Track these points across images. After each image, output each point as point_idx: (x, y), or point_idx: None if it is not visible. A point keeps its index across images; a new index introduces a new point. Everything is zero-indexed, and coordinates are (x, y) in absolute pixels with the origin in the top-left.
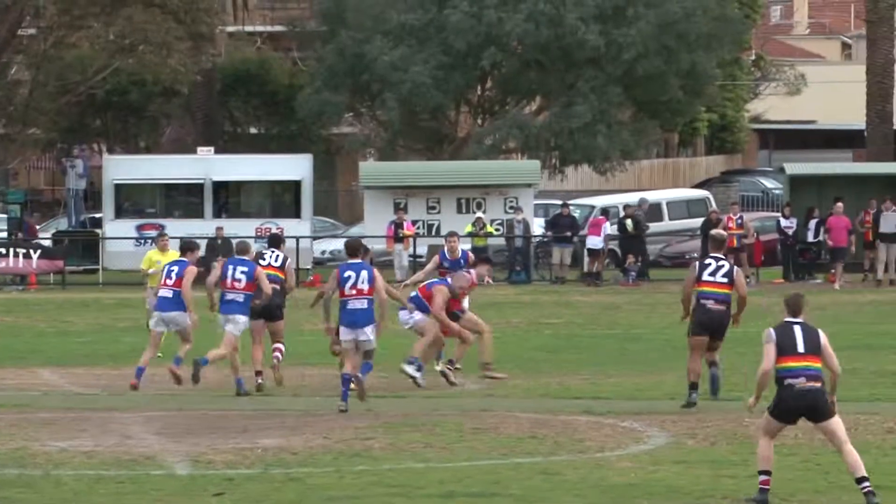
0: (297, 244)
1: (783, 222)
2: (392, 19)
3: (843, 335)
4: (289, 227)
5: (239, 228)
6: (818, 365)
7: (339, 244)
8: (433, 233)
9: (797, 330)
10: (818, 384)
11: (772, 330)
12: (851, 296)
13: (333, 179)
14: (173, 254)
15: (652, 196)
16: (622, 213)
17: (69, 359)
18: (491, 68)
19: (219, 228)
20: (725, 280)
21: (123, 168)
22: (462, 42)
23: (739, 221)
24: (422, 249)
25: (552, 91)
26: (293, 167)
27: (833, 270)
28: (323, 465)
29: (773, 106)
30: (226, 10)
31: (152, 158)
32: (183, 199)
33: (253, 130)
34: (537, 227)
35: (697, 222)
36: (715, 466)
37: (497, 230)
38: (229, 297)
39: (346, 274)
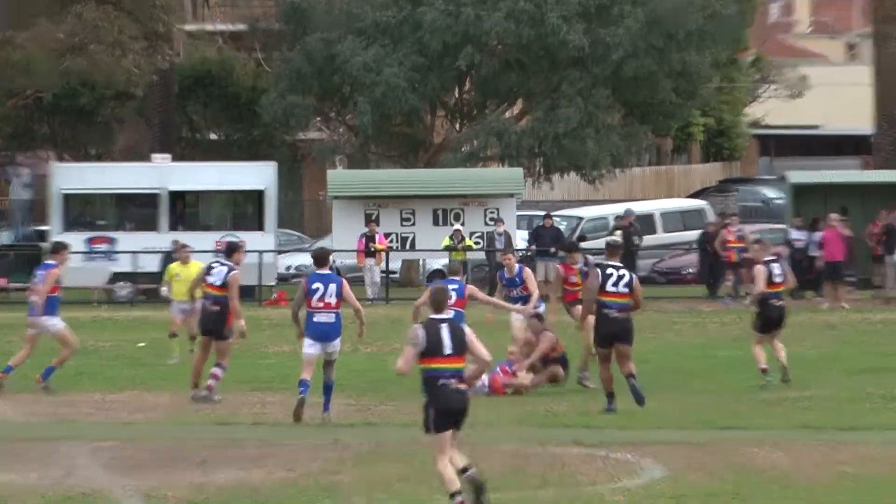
0: (260, 259)
1: (793, 234)
2: (365, 17)
3: (851, 357)
4: (251, 240)
5: (197, 242)
6: (461, 366)
7: (305, 259)
8: (407, 247)
9: (444, 330)
10: (464, 385)
11: (420, 330)
12: (861, 315)
13: (299, 189)
14: (196, 265)
15: (644, 207)
16: (611, 225)
17: (11, 383)
18: (469, 69)
19: (175, 242)
20: (627, 290)
21: (72, 177)
22: (438, 42)
23: (739, 234)
24: (395, 265)
25: (535, 94)
26: (256, 176)
27: (832, 288)
28: (287, 501)
29: (773, 109)
30: (184, 7)
31: (104, 167)
32: (137, 210)
33: (213, 136)
34: (520, 240)
35: (694, 235)
36: (712, 500)
37: (476, 244)
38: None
39: (315, 286)
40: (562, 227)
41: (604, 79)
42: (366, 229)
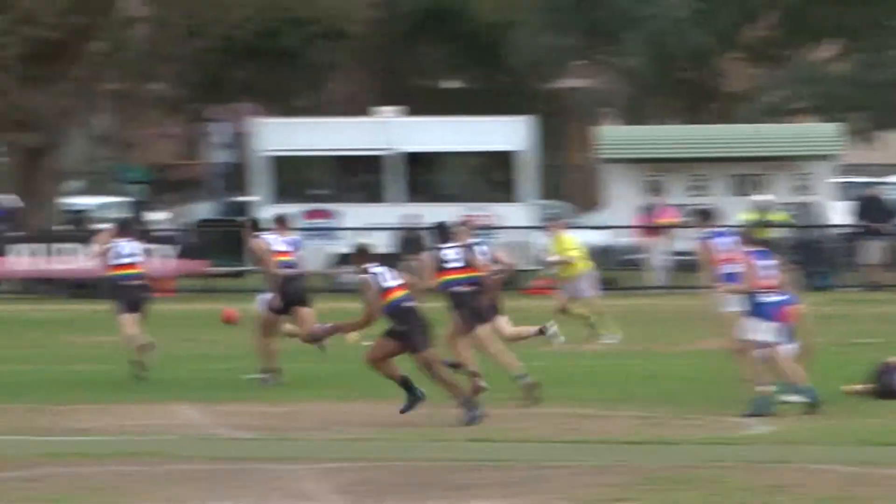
0: (514, 237)
1: None
2: None
3: None
4: (502, 213)
5: (435, 216)
6: None
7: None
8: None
9: None
10: None
11: None
12: None
13: (562, 150)
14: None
15: None
16: None
17: (217, 391)
18: None
19: (410, 217)
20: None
21: (279, 135)
22: None
23: None
24: (684, 244)
25: (857, 30)
26: (508, 134)
27: None
28: None
29: None
30: None
31: (317, 122)
32: (358, 177)
33: (450, 84)
34: (840, 213)
35: None
36: None
37: (790, 217)
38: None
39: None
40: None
41: None
42: (646, 200)
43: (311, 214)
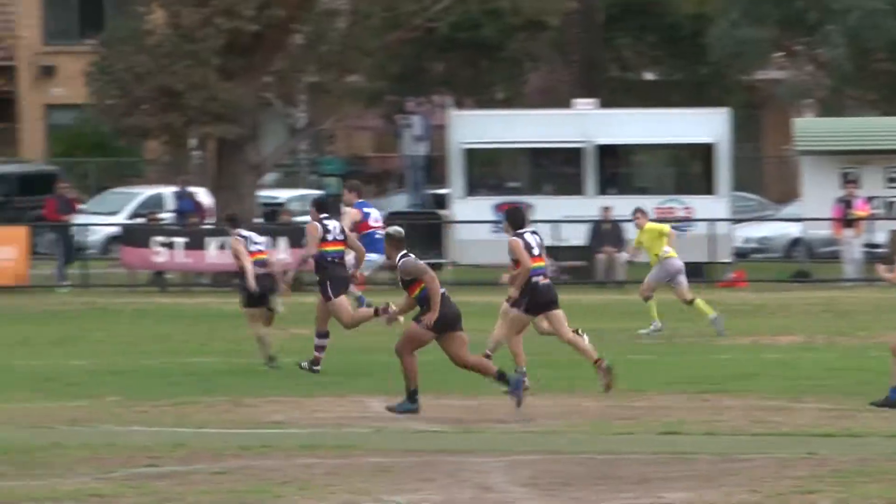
0: (712, 230)
1: None
2: None
3: None
4: (699, 205)
5: (631, 208)
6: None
7: (768, 230)
8: (895, 213)
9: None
10: None
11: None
12: None
13: (759, 142)
14: (653, 227)
15: None
16: None
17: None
18: None
19: (605, 209)
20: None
21: (475, 128)
22: None
23: None
24: (880, 236)
25: None
26: (704, 126)
27: None
28: None
29: None
30: None
31: (513, 115)
32: (555, 169)
33: (648, 77)
34: None
35: None
36: None
37: None
38: None
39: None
40: None
41: None
42: (843, 192)
43: (505, 207)
